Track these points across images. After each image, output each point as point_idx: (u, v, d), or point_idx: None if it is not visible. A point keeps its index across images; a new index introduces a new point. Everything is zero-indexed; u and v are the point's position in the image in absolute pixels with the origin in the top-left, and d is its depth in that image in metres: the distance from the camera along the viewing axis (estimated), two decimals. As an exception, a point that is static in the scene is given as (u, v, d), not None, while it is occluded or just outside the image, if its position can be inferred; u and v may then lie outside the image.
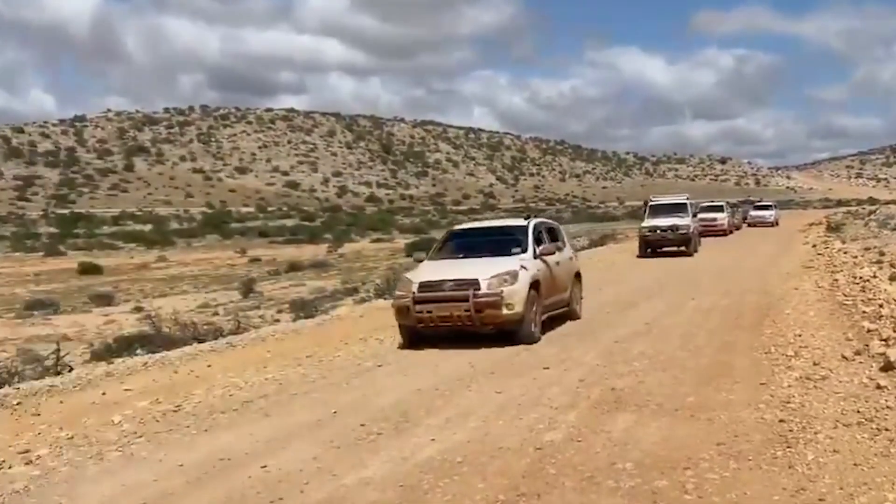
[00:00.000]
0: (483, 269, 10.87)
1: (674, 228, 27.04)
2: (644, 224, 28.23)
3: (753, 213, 52.04)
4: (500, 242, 12.06)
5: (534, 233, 12.06)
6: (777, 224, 49.24)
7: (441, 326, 10.73)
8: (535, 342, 10.70)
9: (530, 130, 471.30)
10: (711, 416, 6.66)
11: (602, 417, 6.85)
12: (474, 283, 10.58)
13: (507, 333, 10.69)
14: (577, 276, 13.45)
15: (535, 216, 13.46)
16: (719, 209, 40.82)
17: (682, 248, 27.00)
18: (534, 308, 10.92)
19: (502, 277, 10.69)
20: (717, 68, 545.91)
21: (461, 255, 12.10)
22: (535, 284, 11.06)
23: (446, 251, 12.46)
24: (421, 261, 12.34)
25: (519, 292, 10.63)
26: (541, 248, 11.82)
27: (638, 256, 27.06)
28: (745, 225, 47.94)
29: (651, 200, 30.52)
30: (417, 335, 10.95)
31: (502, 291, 10.51)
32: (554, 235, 13.04)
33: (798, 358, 8.70)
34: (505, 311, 10.51)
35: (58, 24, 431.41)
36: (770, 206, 54.71)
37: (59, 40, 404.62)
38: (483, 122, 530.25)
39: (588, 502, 4.99)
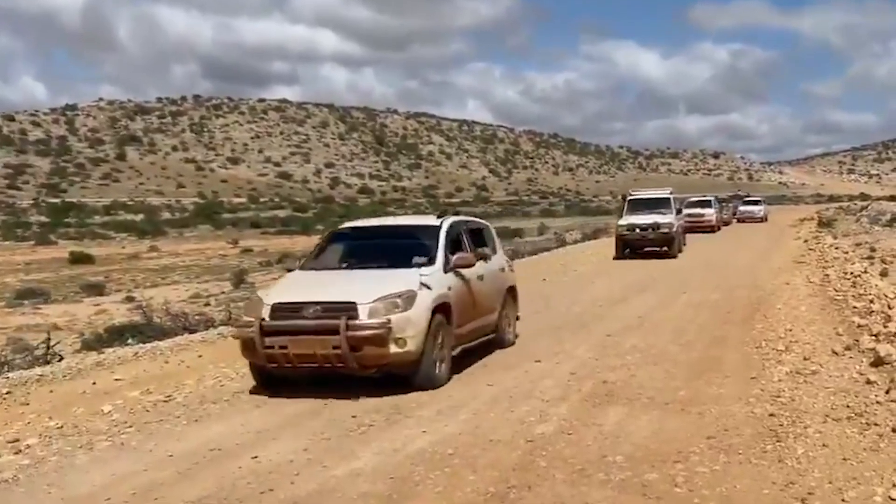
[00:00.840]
0: (367, 288, 7.96)
1: (655, 227, 23.73)
2: (621, 221, 24.77)
3: (743, 208, 51.02)
4: (400, 249, 9.09)
5: (448, 237, 9.09)
6: (766, 220, 48.54)
7: (301, 368, 7.90)
8: (441, 386, 7.98)
9: (524, 123, 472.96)
10: (702, 410, 6.69)
11: (593, 410, 6.87)
12: (350, 309, 7.68)
13: (397, 377, 7.91)
14: (511, 292, 10.56)
15: (456, 213, 10.83)
16: (707, 204, 39.19)
17: (665, 249, 23.83)
18: (438, 341, 8.09)
19: (392, 301, 7.76)
20: (712, 62, 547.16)
21: (344, 266, 9.25)
22: (442, 308, 8.23)
23: (325, 259, 9.45)
24: (292, 270, 9.48)
25: (415, 322, 7.74)
26: (456, 257, 8.88)
27: (615, 258, 23.88)
28: (734, 221, 47.14)
29: (630, 194, 27.06)
30: (270, 377, 8.17)
31: (389, 321, 7.60)
32: (479, 240, 10.14)
33: (788, 353, 8.73)
34: (393, 348, 7.65)
35: (50, 11, 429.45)
36: (759, 201, 53.89)
37: (50, 28, 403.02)
38: (477, 114, 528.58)
39: (579, 495, 5.00)
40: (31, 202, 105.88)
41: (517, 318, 10.71)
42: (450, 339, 8.37)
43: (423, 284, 8.06)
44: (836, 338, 9.39)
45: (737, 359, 8.75)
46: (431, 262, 8.63)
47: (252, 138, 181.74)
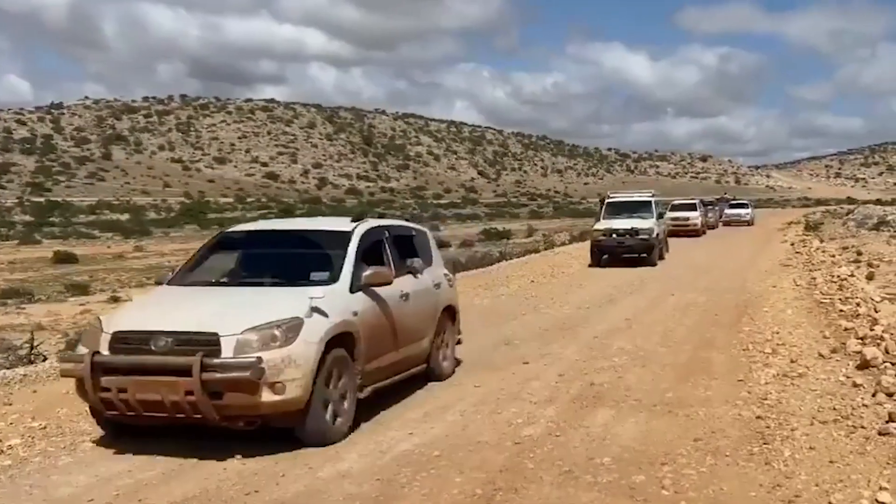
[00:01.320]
0: (239, 314, 6.14)
1: (633, 232, 21.92)
2: (597, 226, 22.96)
3: (729, 211, 50.51)
4: (299, 262, 7.39)
5: (361, 246, 7.28)
6: (753, 223, 48.20)
7: (145, 417, 6.08)
8: (336, 442, 6.23)
9: (512, 125, 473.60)
10: (689, 412, 6.69)
11: (581, 412, 6.86)
12: (209, 342, 5.87)
13: (277, 430, 6.19)
14: (449, 312, 8.75)
15: (381, 216, 8.45)
16: (692, 207, 38.12)
17: (643, 257, 21.92)
18: (336, 384, 6.35)
19: (268, 331, 5.95)
20: (700, 66, 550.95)
21: (223, 281, 7.45)
22: (342, 340, 6.43)
23: (204, 270, 7.60)
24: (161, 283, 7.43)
25: (299, 360, 5.92)
26: (368, 273, 7.02)
27: (590, 266, 22.04)
28: (720, 224, 46.45)
29: (608, 197, 25.48)
30: (110, 424, 6.46)
31: (261, 360, 5.76)
32: (408, 249, 8.30)
33: (775, 355, 8.76)
34: (268, 395, 5.82)
35: (35, 9, 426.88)
36: (746, 204, 53.46)
37: (35, 26, 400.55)
38: (465, 115, 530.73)
39: (566, 497, 4.98)
40: (16, 201, 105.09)
41: (458, 342, 9.03)
42: (353, 380, 6.57)
43: (314, 309, 6.20)
44: (823, 341, 9.43)
45: (724, 361, 8.76)
46: (334, 278, 6.83)
47: (239, 138, 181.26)
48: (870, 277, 15.32)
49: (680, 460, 5.52)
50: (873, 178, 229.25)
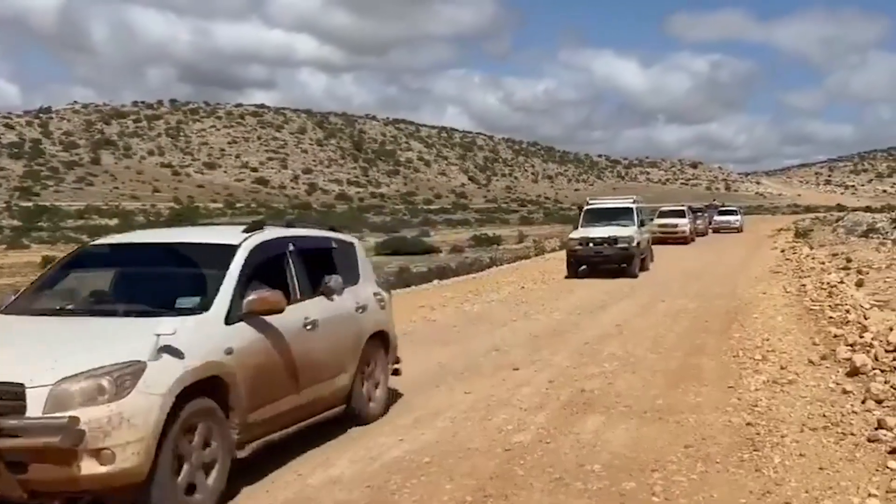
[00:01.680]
0: (59, 356, 4.64)
1: (612, 241, 20.34)
2: (573, 234, 21.51)
3: (718, 218, 49.90)
4: (166, 283, 6.02)
5: (249, 262, 5.81)
6: (742, 230, 48.01)
7: None
8: None
9: (503, 131, 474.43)
10: (680, 419, 6.69)
11: (571, 419, 6.84)
12: (13, 395, 4.40)
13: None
14: (380, 339, 7.35)
15: (289, 225, 6.95)
16: (680, 214, 37.15)
17: (623, 267, 20.30)
18: (193, 447, 4.90)
19: (95, 381, 4.45)
20: (691, 73, 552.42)
21: (67, 308, 5.88)
22: (206, 387, 5.00)
23: (51, 294, 6.11)
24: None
25: (136, 418, 4.47)
26: (252, 297, 5.52)
27: (566, 277, 20.52)
28: (710, 231, 45.69)
29: (588, 203, 23.93)
30: None
31: (77, 420, 4.31)
32: (324, 265, 6.78)
33: (765, 362, 8.77)
34: (91, 467, 4.36)
35: (23, 12, 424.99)
36: (735, 211, 53.09)
37: (23, 29, 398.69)
38: (456, 121, 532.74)
39: (556, 504, 4.97)
40: (4, 205, 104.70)
41: (395, 373, 7.72)
42: (226, 438, 5.17)
43: (164, 349, 4.74)
44: (813, 347, 9.46)
45: (714, 367, 8.77)
46: (205, 306, 5.39)
47: (229, 143, 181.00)
48: (859, 284, 15.39)
49: (670, 467, 5.51)
50: (863, 185, 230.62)
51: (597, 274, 20.40)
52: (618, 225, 21.18)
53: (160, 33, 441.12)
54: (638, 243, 20.79)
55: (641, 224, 22.54)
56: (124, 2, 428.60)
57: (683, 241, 34.66)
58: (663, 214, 36.41)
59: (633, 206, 22.98)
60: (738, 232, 47.01)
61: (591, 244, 20.67)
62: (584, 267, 20.85)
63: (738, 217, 50.68)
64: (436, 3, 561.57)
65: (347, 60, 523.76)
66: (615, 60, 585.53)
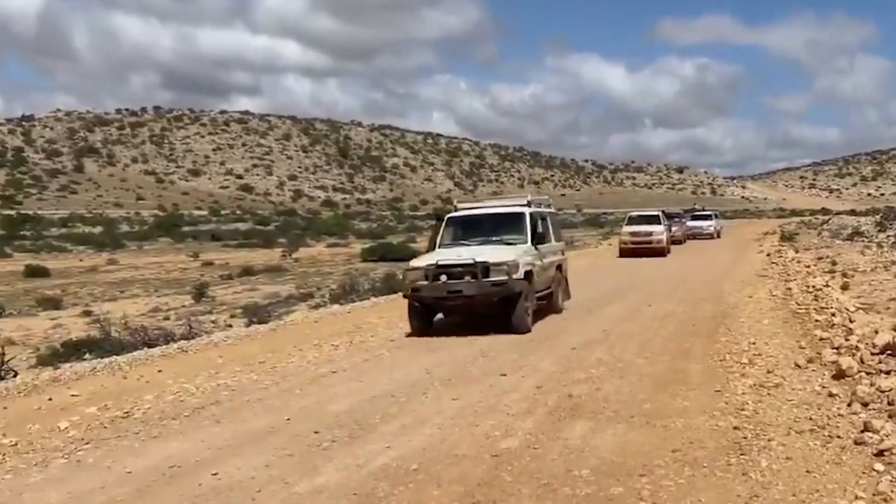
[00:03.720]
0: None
1: (482, 270, 12.03)
2: (414, 262, 13.04)
3: (690, 223, 43.76)
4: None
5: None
6: (719, 236, 43.92)
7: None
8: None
9: (490, 136, 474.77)
10: (667, 423, 6.68)
11: (559, 424, 6.83)
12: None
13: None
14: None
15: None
16: (654, 221, 31.59)
17: (502, 312, 12.21)
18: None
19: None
20: (678, 77, 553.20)
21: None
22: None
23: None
24: None
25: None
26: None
27: (408, 336, 12.52)
28: (686, 239, 40.00)
29: (455, 209, 14.94)
30: None
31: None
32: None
33: (752, 366, 8.78)
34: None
35: (2, 19, 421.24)
36: (709, 215, 47.27)
37: (3, 36, 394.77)
38: (442, 127, 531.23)
39: (545, 510, 4.95)
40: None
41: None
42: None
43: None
44: (799, 351, 9.47)
45: (701, 371, 8.76)
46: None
47: (213, 150, 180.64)
48: (844, 287, 15.47)
49: (658, 472, 5.50)
50: (847, 188, 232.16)
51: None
52: (497, 244, 13.17)
53: (143, 39, 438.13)
54: (530, 273, 12.66)
55: (541, 240, 13.86)
56: (106, 8, 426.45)
57: (660, 252, 29.77)
58: (633, 221, 31.86)
59: (527, 210, 14.07)
60: (712, 238, 42.77)
61: (442, 277, 12.23)
62: (438, 316, 13.09)
63: (713, 223, 45.57)
64: (421, 7, 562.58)
65: (332, 66, 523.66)
66: (602, 65, 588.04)
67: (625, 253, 30.23)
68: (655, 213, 33.69)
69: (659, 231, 30.63)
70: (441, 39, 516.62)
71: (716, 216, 48.01)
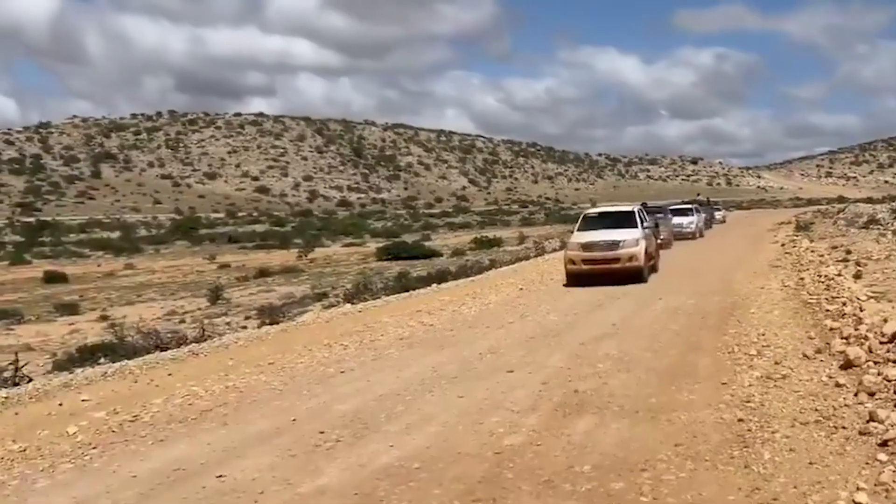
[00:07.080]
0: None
1: None
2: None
3: (674, 220, 34.37)
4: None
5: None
6: (702, 235, 36.89)
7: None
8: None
9: (504, 132, 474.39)
10: (672, 417, 6.66)
11: (563, 420, 6.82)
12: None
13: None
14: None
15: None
16: (626, 221, 19.48)
17: None
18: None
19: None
20: (694, 67, 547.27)
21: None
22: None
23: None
24: None
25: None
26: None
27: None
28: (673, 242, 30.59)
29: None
30: None
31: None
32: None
33: (760, 357, 8.73)
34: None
35: (15, 25, 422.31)
36: (689, 210, 38.10)
37: (17, 42, 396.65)
38: (456, 123, 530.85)
39: (544, 507, 4.95)
40: (6, 221, 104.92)
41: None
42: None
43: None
44: (808, 341, 9.40)
45: (709, 364, 8.72)
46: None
47: (229, 153, 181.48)
48: (857, 276, 15.33)
49: (660, 466, 5.49)
50: (864, 176, 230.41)
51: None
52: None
53: (155, 42, 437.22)
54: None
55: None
56: (117, 11, 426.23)
57: (636, 274, 18.08)
58: (589, 224, 19.99)
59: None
60: (693, 238, 34.84)
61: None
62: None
63: (693, 218, 36.73)
64: (434, 3, 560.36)
65: (346, 64, 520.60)
66: (617, 57, 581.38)
67: (573, 279, 18.49)
68: (629, 209, 21.22)
69: (633, 239, 18.52)
70: (454, 35, 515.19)
71: (717, 208, 43.69)
